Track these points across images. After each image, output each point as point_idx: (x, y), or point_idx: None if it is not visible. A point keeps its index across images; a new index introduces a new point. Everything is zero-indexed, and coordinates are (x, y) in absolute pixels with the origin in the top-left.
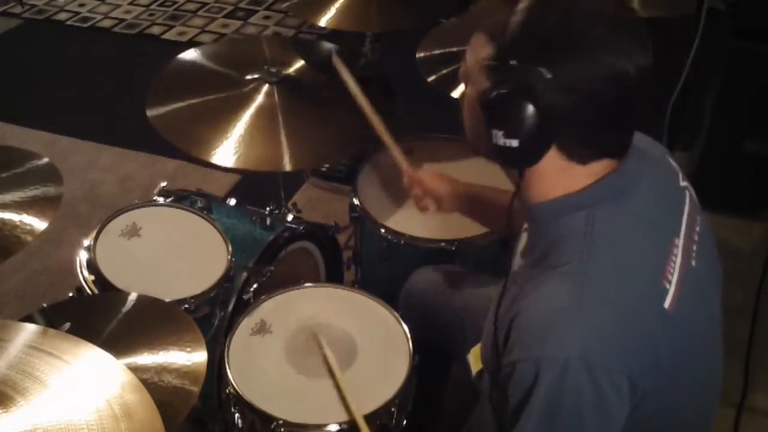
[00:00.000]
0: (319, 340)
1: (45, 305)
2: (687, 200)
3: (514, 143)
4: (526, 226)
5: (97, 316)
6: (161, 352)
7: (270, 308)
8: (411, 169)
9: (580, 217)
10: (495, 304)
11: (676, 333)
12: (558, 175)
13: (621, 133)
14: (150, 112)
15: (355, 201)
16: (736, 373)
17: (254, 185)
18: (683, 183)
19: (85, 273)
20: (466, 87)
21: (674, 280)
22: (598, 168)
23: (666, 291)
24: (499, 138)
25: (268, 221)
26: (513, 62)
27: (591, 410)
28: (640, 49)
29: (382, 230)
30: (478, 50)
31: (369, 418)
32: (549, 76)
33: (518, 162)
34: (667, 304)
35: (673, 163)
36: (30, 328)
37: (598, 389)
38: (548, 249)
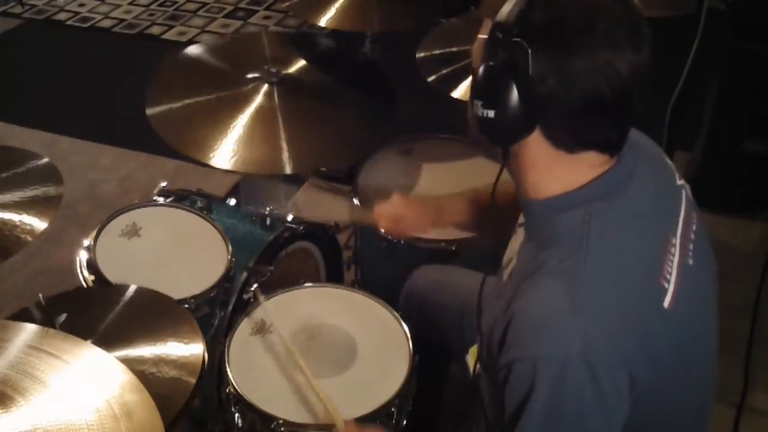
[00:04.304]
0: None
1: (41, 295)
2: (683, 199)
3: (491, 114)
4: (521, 221)
5: (94, 308)
6: (158, 344)
7: (270, 308)
8: None
9: (577, 215)
10: (478, 298)
11: (674, 331)
12: (551, 166)
13: (609, 127)
14: (149, 111)
15: (355, 201)
16: (736, 373)
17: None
18: (680, 182)
19: (85, 273)
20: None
21: (672, 278)
22: (590, 162)
23: (665, 290)
24: (479, 108)
25: (268, 221)
26: (500, 35)
27: (593, 408)
28: (634, 46)
29: (382, 230)
30: (483, 32)
31: (368, 418)
32: (529, 51)
33: (495, 134)
34: (666, 303)
35: (669, 162)
36: (30, 328)
37: (599, 387)
38: (544, 247)
